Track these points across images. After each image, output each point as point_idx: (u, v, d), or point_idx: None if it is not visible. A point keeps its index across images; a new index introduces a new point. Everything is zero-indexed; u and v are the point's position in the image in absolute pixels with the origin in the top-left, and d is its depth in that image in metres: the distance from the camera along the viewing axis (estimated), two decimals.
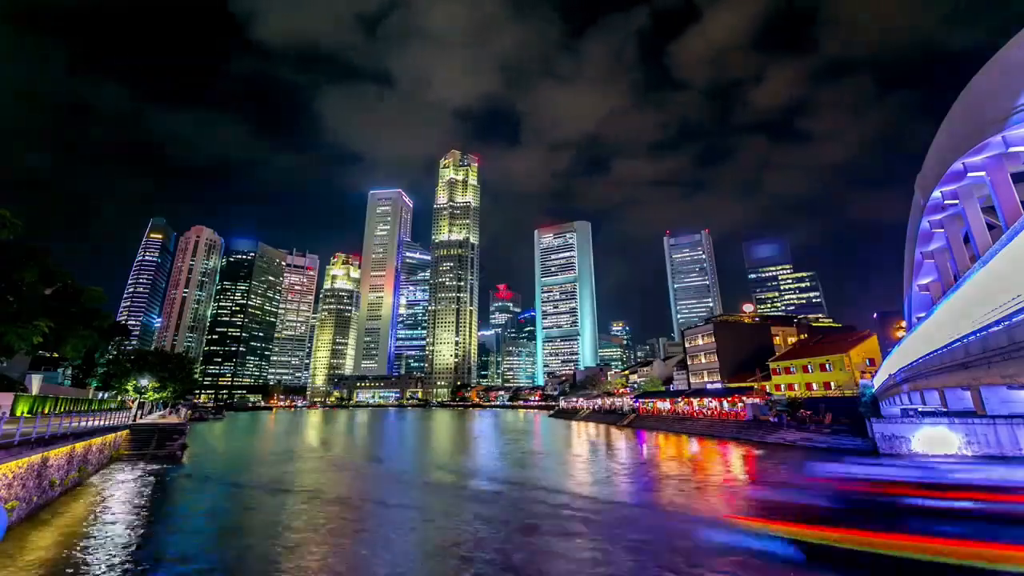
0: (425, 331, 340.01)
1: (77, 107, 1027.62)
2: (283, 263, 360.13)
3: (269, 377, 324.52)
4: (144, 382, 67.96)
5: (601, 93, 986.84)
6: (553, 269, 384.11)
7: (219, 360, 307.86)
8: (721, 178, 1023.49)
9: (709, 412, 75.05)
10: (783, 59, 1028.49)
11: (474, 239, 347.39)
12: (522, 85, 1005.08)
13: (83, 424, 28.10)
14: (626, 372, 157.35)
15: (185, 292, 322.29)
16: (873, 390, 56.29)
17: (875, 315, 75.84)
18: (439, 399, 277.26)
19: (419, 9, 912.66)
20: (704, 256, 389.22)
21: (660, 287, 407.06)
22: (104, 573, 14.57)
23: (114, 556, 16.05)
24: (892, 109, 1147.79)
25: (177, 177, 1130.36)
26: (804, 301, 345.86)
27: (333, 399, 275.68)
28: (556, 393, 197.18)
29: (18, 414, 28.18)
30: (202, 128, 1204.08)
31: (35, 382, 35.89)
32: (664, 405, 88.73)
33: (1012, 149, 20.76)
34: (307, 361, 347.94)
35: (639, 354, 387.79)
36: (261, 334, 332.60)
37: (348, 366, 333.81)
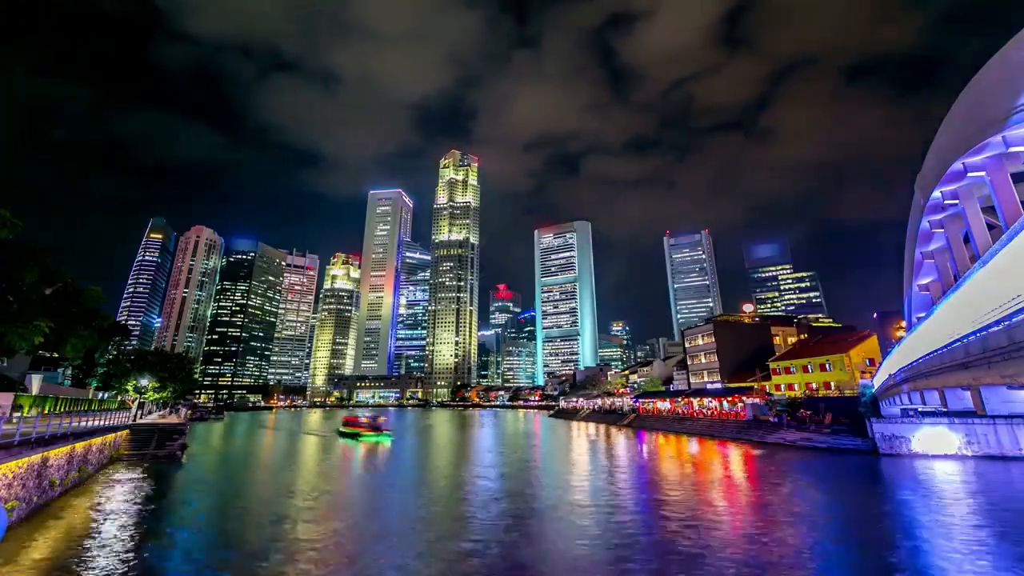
0: (425, 331, 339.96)
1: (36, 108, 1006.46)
2: (283, 263, 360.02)
3: (269, 377, 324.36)
4: (144, 382, 67.92)
5: (565, 91, 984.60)
6: (553, 269, 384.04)
7: (219, 360, 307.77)
8: (697, 176, 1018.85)
9: (709, 412, 75.02)
10: (744, 55, 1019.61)
11: (474, 239, 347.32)
12: (482, 83, 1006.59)
13: (83, 424, 28.10)
14: (626, 372, 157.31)
15: (185, 292, 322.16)
16: (873, 390, 56.26)
17: (875, 315, 75.80)
18: (439, 399, 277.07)
19: (362, 2, 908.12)
20: (704, 256, 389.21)
21: (657, 287, 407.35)
22: (104, 573, 14.57)
23: (114, 556, 16.05)
24: (857, 103, 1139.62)
25: (145, 177, 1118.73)
26: (804, 301, 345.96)
27: (333, 399, 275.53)
28: (556, 393, 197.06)
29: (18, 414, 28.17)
30: (160, 128, 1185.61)
31: (35, 382, 35.87)
32: (664, 405, 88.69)
33: (1012, 149, 20.74)
34: (307, 361, 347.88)
35: (639, 354, 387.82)
36: (261, 334, 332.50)
37: (348, 366, 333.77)
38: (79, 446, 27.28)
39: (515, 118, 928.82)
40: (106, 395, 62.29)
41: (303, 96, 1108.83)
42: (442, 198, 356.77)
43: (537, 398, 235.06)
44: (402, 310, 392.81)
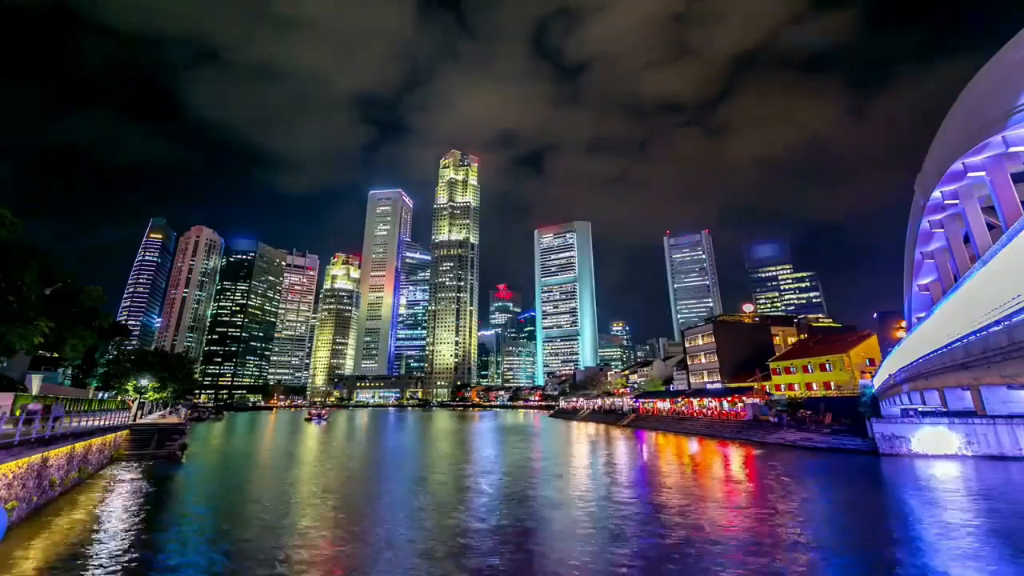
0: (425, 331, 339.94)
1: None
2: (283, 263, 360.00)
3: (269, 377, 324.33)
4: (144, 382, 67.92)
5: (519, 88, 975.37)
6: (553, 269, 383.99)
7: (219, 360, 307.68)
8: (666, 175, 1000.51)
9: (709, 412, 75.05)
10: (695, 51, 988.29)
11: (474, 239, 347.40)
12: (433, 78, 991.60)
13: (83, 424, 28.10)
14: (626, 372, 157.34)
15: (185, 292, 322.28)
16: (873, 390, 56.30)
17: (875, 315, 75.91)
18: (439, 399, 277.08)
19: None
20: (704, 256, 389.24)
21: (657, 287, 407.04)
22: (104, 574, 14.57)
23: (114, 556, 16.05)
24: (812, 98, 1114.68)
25: (95, 178, 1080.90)
26: (804, 301, 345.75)
27: (333, 399, 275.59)
28: (556, 393, 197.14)
29: (18, 414, 28.15)
30: (105, 130, 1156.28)
31: (35, 382, 35.86)
32: (664, 405, 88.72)
33: (1012, 149, 20.71)
34: (307, 361, 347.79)
35: (639, 354, 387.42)
36: (261, 334, 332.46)
37: (348, 366, 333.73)
38: (79, 446, 27.28)
39: (474, 115, 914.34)
40: (106, 395, 62.29)
41: (241, 92, 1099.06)
42: (442, 198, 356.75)
43: (537, 398, 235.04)
44: (402, 310, 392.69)
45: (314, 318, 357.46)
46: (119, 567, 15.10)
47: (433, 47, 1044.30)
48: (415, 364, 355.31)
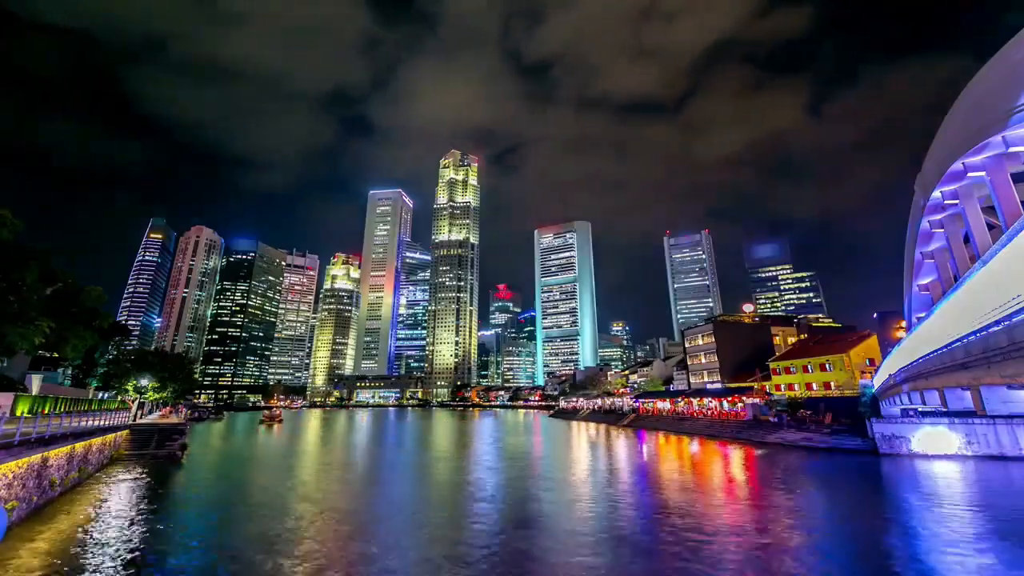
0: (425, 331, 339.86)
1: None
2: (283, 263, 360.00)
3: (269, 377, 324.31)
4: (144, 382, 67.92)
5: (488, 86, 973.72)
6: (553, 269, 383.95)
7: (219, 360, 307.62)
8: (646, 175, 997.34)
9: (709, 412, 75.04)
10: (660, 48, 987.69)
11: (474, 239, 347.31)
12: (397, 74, 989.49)
13: (83, 424, 28.10)
14: (626, 372, 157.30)
15: (185, 292, 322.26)
16: (873, 390, 56.29)
17: (875, 315, 75.81)
18: (439, 399, 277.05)
19: None
20: (704, 256, 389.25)
21: (657, 287, 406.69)
22: (104, 574, 14.57)
23: (114, 557, 16.05)
24: (778, 96, 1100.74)
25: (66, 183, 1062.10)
26: (804, 301, 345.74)
27: (333, 399, 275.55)
28: (556, 393, 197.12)
29: (18, 414, 28.17)
30: (76, 131, 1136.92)
31: (35, 382, 35.91)
32: (664, 405, 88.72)
33: (1012, 149, 20.71)
34: (307, 361, 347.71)
35: (639, 354, 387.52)
36: (261, 334, 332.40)
37: (348, 366, 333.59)
38: (79, 446, 27.28)
39: (448, 113, 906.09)
40: (106, 395, 62.32)
41: (200, 92, 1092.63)
42: (442, 198, 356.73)
43: (537, 398, 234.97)
44: (402, 310, 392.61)
45: (314, 318, 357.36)
46: (119, 568, 15.09)
47: (397, 44, 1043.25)
48: (415, 364, 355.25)
